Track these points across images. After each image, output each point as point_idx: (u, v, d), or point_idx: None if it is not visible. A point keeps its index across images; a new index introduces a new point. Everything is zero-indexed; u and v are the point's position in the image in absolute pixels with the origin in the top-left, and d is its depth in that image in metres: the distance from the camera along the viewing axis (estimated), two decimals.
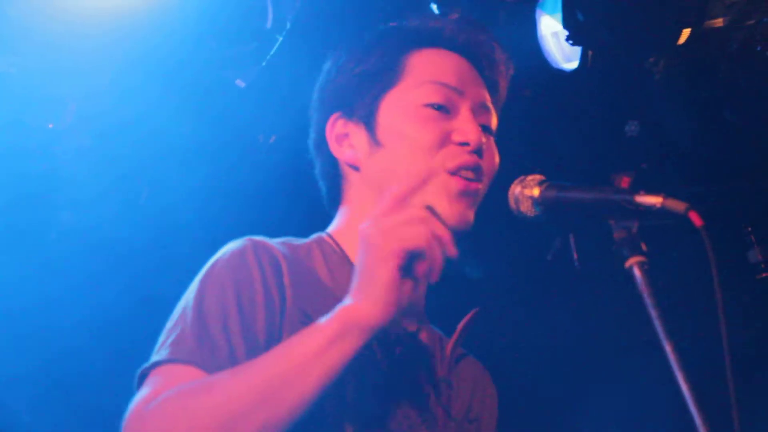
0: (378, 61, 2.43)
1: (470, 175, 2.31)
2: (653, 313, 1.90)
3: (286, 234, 2.41)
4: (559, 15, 4.04)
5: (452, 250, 1.88)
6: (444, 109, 2.36)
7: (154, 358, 2.08)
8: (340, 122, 2.45)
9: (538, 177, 2.17)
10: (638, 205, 1.97)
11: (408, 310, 2.04)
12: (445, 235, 1.88)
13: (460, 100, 2.38)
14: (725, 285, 1.86)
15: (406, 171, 2.31)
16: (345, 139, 2.43)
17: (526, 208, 2.16)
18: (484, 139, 2.35)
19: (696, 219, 1.89)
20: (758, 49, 4.06)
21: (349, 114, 2.43)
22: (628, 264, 1.95)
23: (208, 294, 2.15)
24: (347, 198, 2.47)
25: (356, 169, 2.42)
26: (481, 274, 4.54)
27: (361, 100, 2.41)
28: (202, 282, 2.18)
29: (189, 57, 4.14)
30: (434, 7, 4.01)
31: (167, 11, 3.94)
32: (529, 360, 4.99)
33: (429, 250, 1.86)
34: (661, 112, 4.41)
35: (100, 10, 3.88)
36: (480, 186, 2.34)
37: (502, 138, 2.48)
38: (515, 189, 2.18)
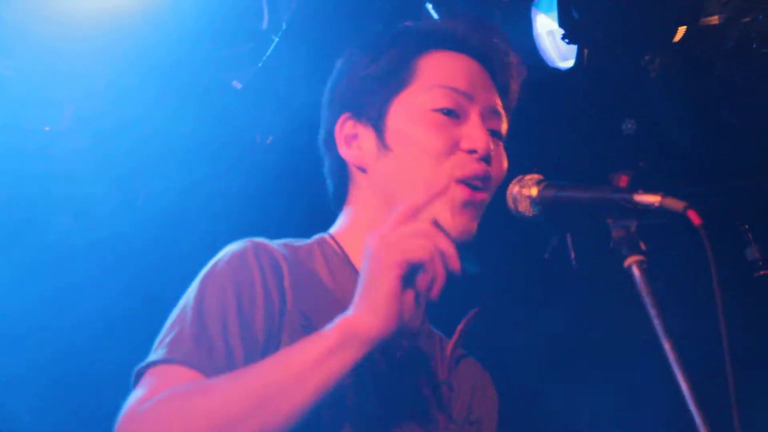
0: (389, 62, 2.40)
1: (477, 183, 2.29)
2: (652, 312, 1.90)
3: (284, 234, 2.41)
4: (555, 13, 4.04)
5: (456, 265, 1.88)
6: (453, 114, 2.33)
7: (151, 357, 2.08)
8: (350, 123, 2.42)
9: (536, 176, 2.16)
10: (637, 204, 1.97)
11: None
12: (450, 249, 1.88)
13: (470, 105, 2.35)
14: (723, 283, 1.86)
15: (412, 177, 2.30)
16: (353, 140, 2.41)
17: (525, 208, 2.15)
18: (492, 146, 2.32)
19: (694, 217, 1.89)
20: (754, 46, 4.06)
21: (359, 115, 2.41)
22: (626, 263, 1.95)
23: (208, 294, 2.14)
24: (352, 199, 2.45)
25: (363, 171, 2.40)
26: (478, 268, 4.53)
27: (371, 102, 2.39)
28: (203, 282, 2.18)
29: (185, 58, 4.14)
30: (429, 6, 4.02)
31: (163, 13, 3.94)
32: (527, 360, 4.99)
33: (431, 264, 1.86)
34: (658, 110, 4.41)
35: (97, 12, 3.88)
36: (485, 195, 2.32)
37: None
38: (513, 189, 2.17)
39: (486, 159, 2.30)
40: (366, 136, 2.39)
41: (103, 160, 4.41)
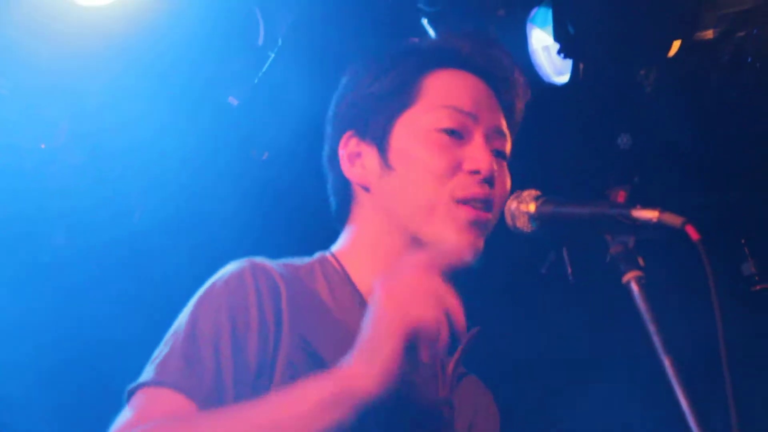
0: (394, 81, 2.38)
1: (479, 206, 2.27)
2: (651, 329, 1.89)
3: (281, 250, 2.40)
4: (550, 28, 4.05)
5: (462, 327, 1.85)
6: (457, 134, 2.31)
7: (142, 377, 2.08)
8: (353, 141, 2.40)
9: (534, 192, 2.16)
10: (635, 220, 1.97)
11: None
12: (458, 312, 1.85)
13: (474, 125, 2.33)
14: (720, 297, 1.85)
15: (413, 197, 2.28)
16: (357, 159, 2.39)
17: (523, 224, 2.15)
18: (496, 167, 2.30)
19: (693, 233, 1.88)
20: (749, 60, 4.07)
21: (363, 133, 2.39)
22: (625, 279, 1.95)
23: (202, 315, 2.13)
24: (355, 217, 2.43)
25: (366, 189, 2.38)
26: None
27: (375, 120, 2.37)
28: (198, 302, 2.17)
29: (180, 75, 4.14)
30: (425, 22, 4.02)
31: (157, 29, 3.94)
32: (527, 376, 4.98)
33: (438, 331, 1.83)
34: (653, 125, 4.41)
35: (90, 29, 3.88)
36: (490, 216, 2.29)
37: None
38: (511, 204, 2.17)
39: (489, 181, 2.28)
40: (369, 154, 2.37)
41: (99, 177, 4.41)
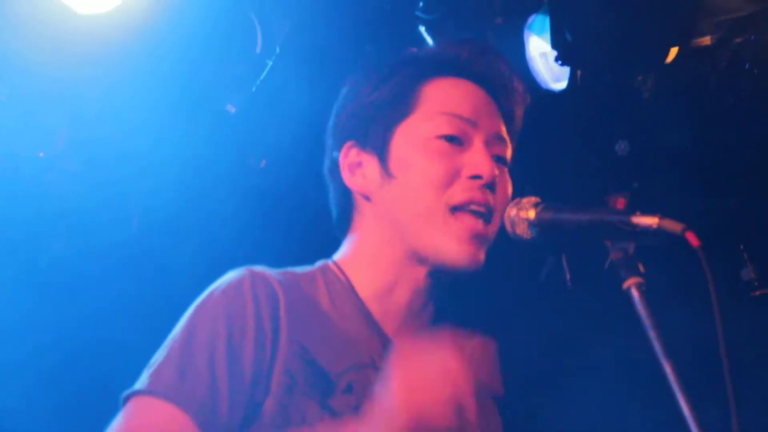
0: (392, 90, 2.39)
1: (481, 209, 2.26)
2: (651, 334, 1.89)
3: (278, 256, 2.40)
4: (548, 35, 4.05)
5: (473, 417, 1.82)
6: (457, 141, 2.31)
7: (138, 384, 2.09)
8: (354, 151, 2.41)
9: (533, 199, 2.16)
10: (635, 226, 1.97)
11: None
12: (470, 402, 1.82)
13: (474, 131, 2.34)
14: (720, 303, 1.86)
15: (413, 205, 2.28)
16: (358, 169, 2.40)
17: (522, 231, 2.15)
18: (497, 172, 2.31)
19: (693, 239, 1.88)
20: (746, 66, 4.08)
21: (363, 143, 2.40)
22: (625, 285, 1.95)
23: (199, 323, 2.14)
24: (356, 226, 2.43)
25: (368, 199, 2.39)
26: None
27: (374, 130, 2.38)
28: (196, 310, 2.18)
29: (178, 82, 4.14)
30: (422, 29, 4.02)
31: (155, 36, 3.94)
32: (526, 383, 4.97)
33: (445, 420, 1.81)
34: (651, 131, 4.41)
35: (88, 37, 3.88)
36: (490, 228, 2.29)
37: None
38: (511, 211, 2.17)
39: (490, 186, 2.28)
40: (370, 164, 2.38)
41: (97, 184, 4.40)
